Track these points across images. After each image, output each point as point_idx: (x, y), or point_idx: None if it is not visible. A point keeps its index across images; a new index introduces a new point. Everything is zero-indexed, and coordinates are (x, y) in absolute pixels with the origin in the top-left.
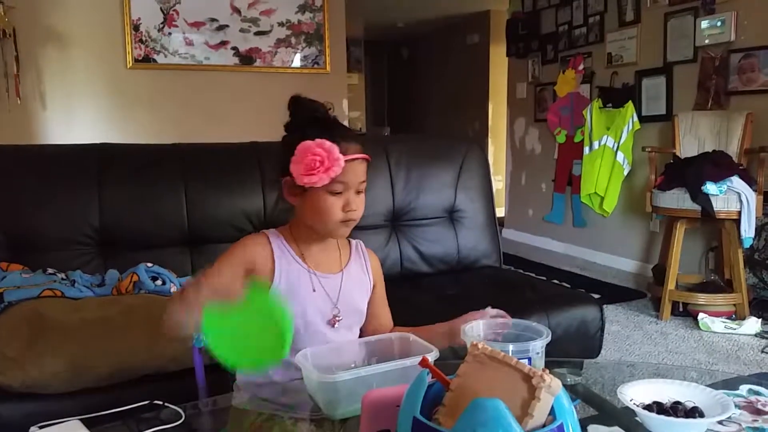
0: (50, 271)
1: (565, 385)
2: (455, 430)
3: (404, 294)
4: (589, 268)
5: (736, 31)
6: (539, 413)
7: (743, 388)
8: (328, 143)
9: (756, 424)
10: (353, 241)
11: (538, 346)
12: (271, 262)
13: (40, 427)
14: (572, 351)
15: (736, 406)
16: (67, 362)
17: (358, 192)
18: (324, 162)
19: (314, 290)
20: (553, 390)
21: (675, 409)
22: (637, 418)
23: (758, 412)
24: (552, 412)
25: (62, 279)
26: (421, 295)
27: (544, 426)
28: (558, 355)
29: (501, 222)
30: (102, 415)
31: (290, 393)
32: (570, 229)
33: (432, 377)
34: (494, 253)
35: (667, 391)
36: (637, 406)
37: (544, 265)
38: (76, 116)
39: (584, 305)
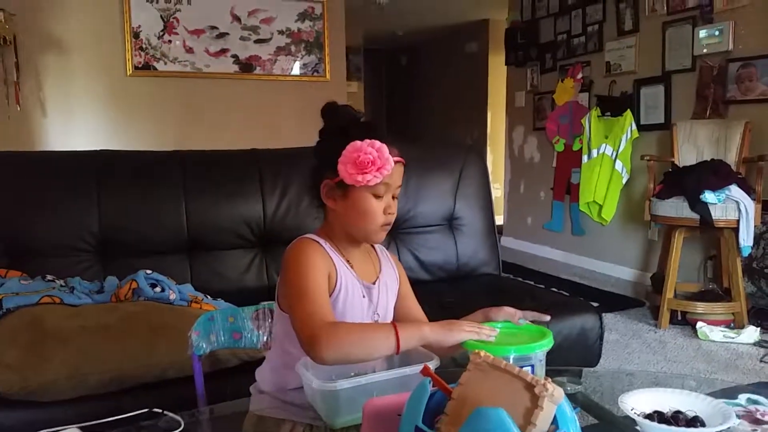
0: (49, 277)
1: (565, 394)
2: None
3: None
4: (588, 276)
5: (734, 41)
6: (542, 422)
7: (742, 398)
8: (378, 143)
9: None
10: (377, 247)
11: (540, 354)
12: (334, 270)
13: None
14: (571, 359)
15: (735, 415)
16: (66, 369)
17: (393, 197)
18: (375, 162)
19: (363, 296)
20: (555, 399)
21: (676, 419)
22: (637, 428)
23: (757, 422)
24: (554, 420)
25: (61, 286)
26: (420, 303)
27: None
28: (557, 364)
29: (500, 230)
30: (101, 422)
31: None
32: (569, 238)
33: (433, 385)
34: (493, 261)
35: (667, 400)
36: (638, 415)
37: (543, 273)
38: (76, 123)
39: (583, 313)
